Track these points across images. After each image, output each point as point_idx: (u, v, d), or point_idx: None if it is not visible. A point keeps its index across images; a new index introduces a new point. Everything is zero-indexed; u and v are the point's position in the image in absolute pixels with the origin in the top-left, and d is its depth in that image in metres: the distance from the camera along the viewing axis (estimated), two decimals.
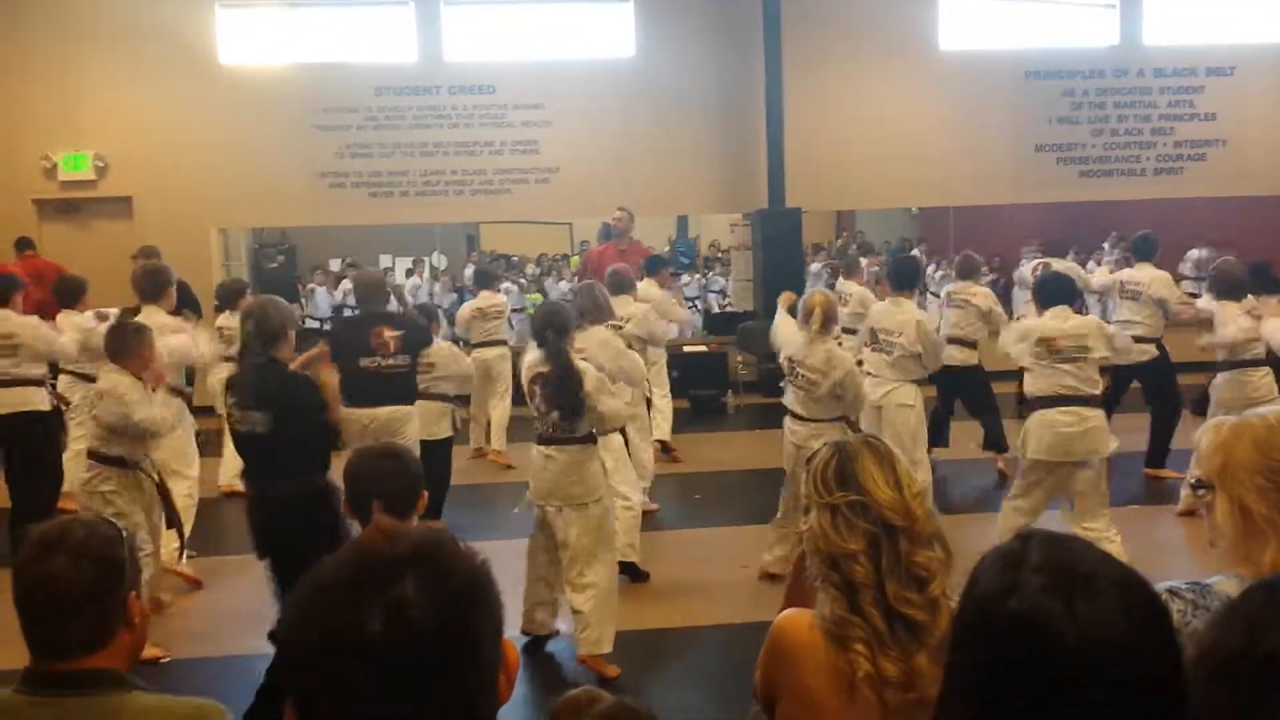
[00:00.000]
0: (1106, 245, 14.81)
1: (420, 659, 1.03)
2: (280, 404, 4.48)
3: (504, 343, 9.28)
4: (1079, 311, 6.30)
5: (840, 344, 6.29)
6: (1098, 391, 5.58)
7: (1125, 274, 8.34)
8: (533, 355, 5.05)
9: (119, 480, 5.31)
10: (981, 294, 8.25)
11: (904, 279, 7.04)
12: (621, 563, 5.78)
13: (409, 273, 14.98)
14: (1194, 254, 14.37)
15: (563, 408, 4.90)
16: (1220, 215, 13.06)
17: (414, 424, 6.32)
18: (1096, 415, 5.52)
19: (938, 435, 8.36)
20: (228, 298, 8.14)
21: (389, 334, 6.28)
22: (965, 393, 8.35)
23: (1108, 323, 6.48)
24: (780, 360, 6.02)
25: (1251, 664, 1.09)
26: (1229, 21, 12.61)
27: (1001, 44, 12.42)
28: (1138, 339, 7.96)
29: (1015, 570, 1.19)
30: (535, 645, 5.25)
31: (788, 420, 5.97)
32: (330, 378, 4.76)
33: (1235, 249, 8.41)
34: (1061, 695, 1.13)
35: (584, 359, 5.31)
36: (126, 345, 5.37)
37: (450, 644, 1.04)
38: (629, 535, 6.06)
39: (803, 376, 5.73)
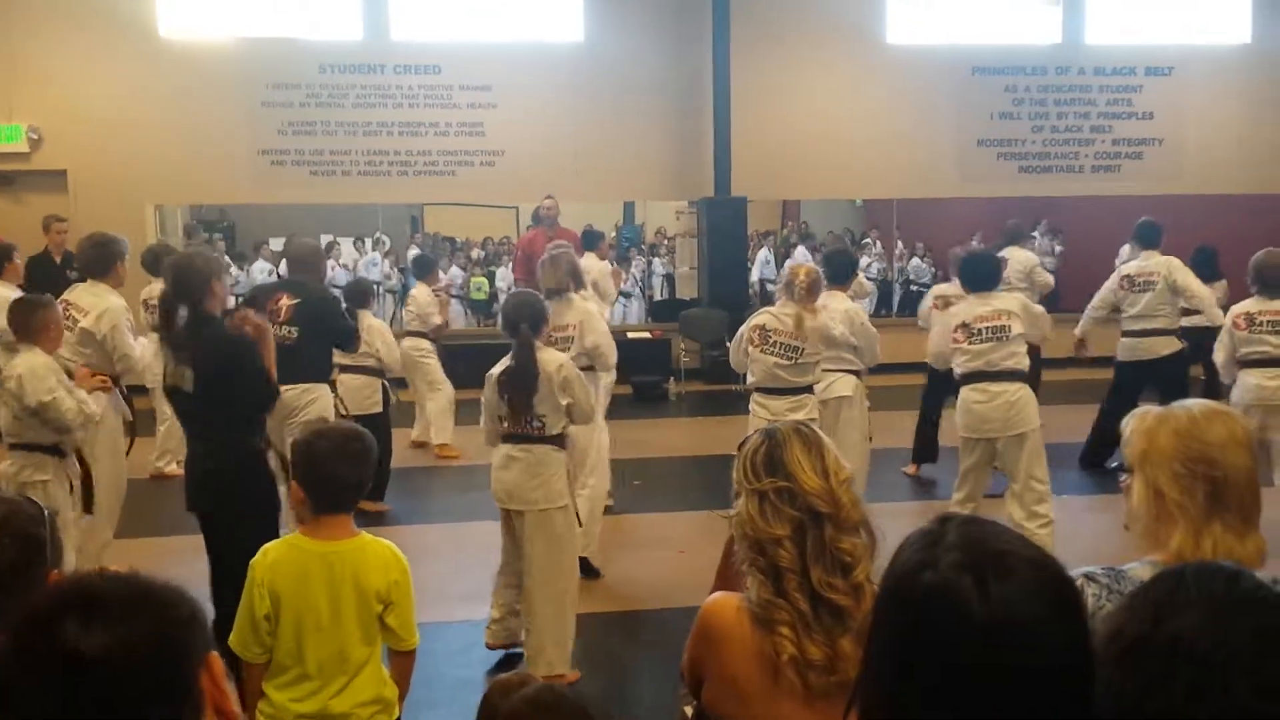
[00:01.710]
0: (1036, 234, 15.07)
1: (93, 683, 1.11)
2: (208, 361, 4.26)
3: (424, 335, 8.77)
4: None
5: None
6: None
7: (1132, 267, 7.91)
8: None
9: (54, 469, 4.96)
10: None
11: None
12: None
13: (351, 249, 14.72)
14: (1126, 250, 14.64)
15: (515, 405, 4.70)
16: (1157, 213, 13.29)
17: (318, 405, 5.88)
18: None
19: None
20: (154, 265, 7.56)
21: (284, 301, 5.94)
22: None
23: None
24: (745, 335, 5.90)
25: (1155, 648, 1.12)
26: (1168, 22, 12.85)
27: (948, 39, 12.55)
28: (1158, 332, 7.64)
29: (933, 548, 1.21)
30: (508, 660, 4.98)
31: (761, 399, 5.86)
32: (263, 323, 4.60)
33: (1173, 245, 8.48)
34: (971, 671, 1.15)
35: (567, 335, 5.38)
36: (34, 321, 4.93)
37: (119, 665, 1.12)
38: (591, 528, 5.88)
39: (781, 345, 5.73)
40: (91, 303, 5.82)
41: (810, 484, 1.99)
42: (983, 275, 6.07)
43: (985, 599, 1.15)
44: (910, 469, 8.06)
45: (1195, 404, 1.96)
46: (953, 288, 8.04)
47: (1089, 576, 1.84)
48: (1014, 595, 1.16)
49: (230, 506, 4.23)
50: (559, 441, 4.78)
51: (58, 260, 9.21)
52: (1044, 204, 13.28)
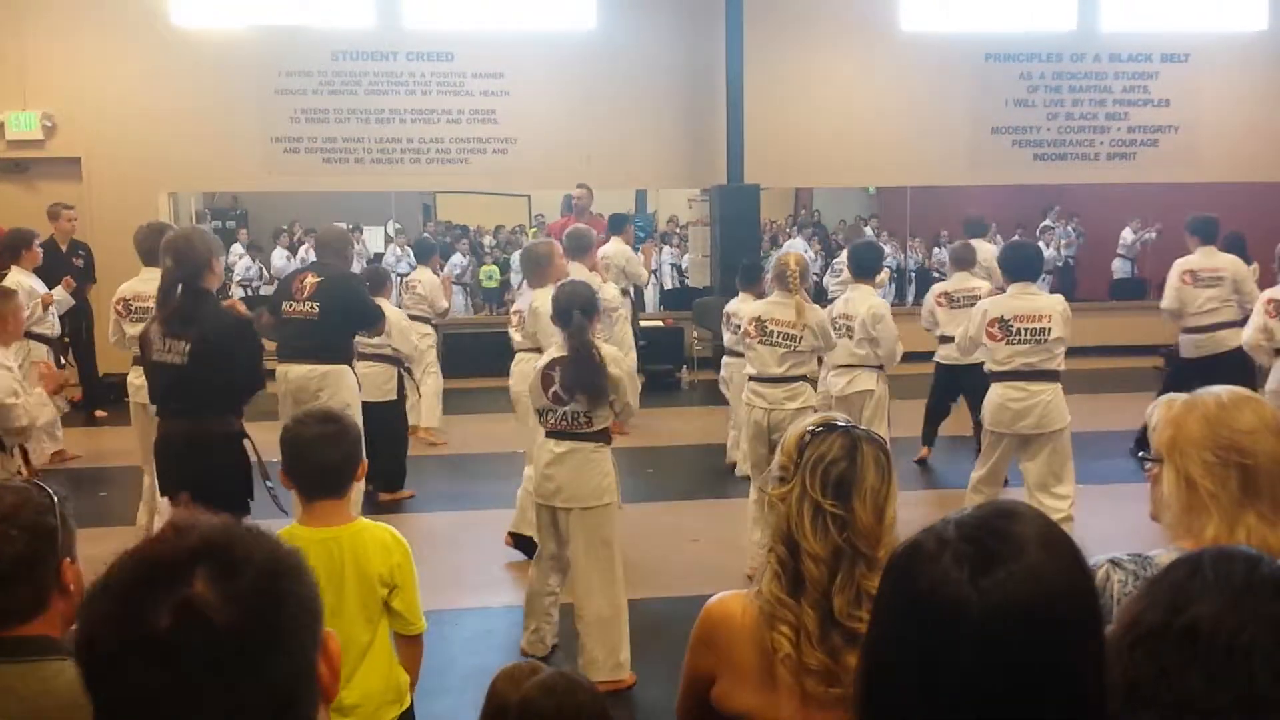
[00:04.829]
0: (1049, 220, 15.05)
1: (219, 658, 0.96)
2: (206, 333, 4.27)
3: (426, 320, 8.76)
4: None
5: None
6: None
7: (1196, 262, 7.53)
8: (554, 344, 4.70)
9: None
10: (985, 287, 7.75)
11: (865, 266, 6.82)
12: (516, 535, 5.73)
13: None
14: (1126, 232, 14.70)
15: (586, 392, 4.46)
16: (1169, 199, 13.24)
17: (340, 389, 5.79)
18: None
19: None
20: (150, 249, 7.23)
21: (309, 279, 6.02)
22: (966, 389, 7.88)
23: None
24: (741, 326, 5.93)
25: (1171, 636, 1.11)
26: (1184, 8, 12.74)
27: (962, 26, 12.46)
28: (1229, 325, 7.34)
29: (933, 537, 1.17)
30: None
31: (756, 387, 5.82)
32: (246, 312, 4.73)
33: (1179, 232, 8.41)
34: (970, 664, 1.10)
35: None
36: None
37: (251, 640, 0.98)
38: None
39: (778, 335, 5.72)
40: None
41: (864, 522, 1.91)
42: (1024, 264, 5.84)
43: (980, 589, 1.10)
44: (923, 452, 8.07)
45: (1222, 390, 1.91)
46: (952, 284, 8.04)
47: (1115, 562, 1.80)
48: (1013, 583, 1.11)
49: (208, 485, 4.12)
50: (604, 437, 4.61)
51: (64, 248, 9.19)
52: (1055, 191, 13.22)
